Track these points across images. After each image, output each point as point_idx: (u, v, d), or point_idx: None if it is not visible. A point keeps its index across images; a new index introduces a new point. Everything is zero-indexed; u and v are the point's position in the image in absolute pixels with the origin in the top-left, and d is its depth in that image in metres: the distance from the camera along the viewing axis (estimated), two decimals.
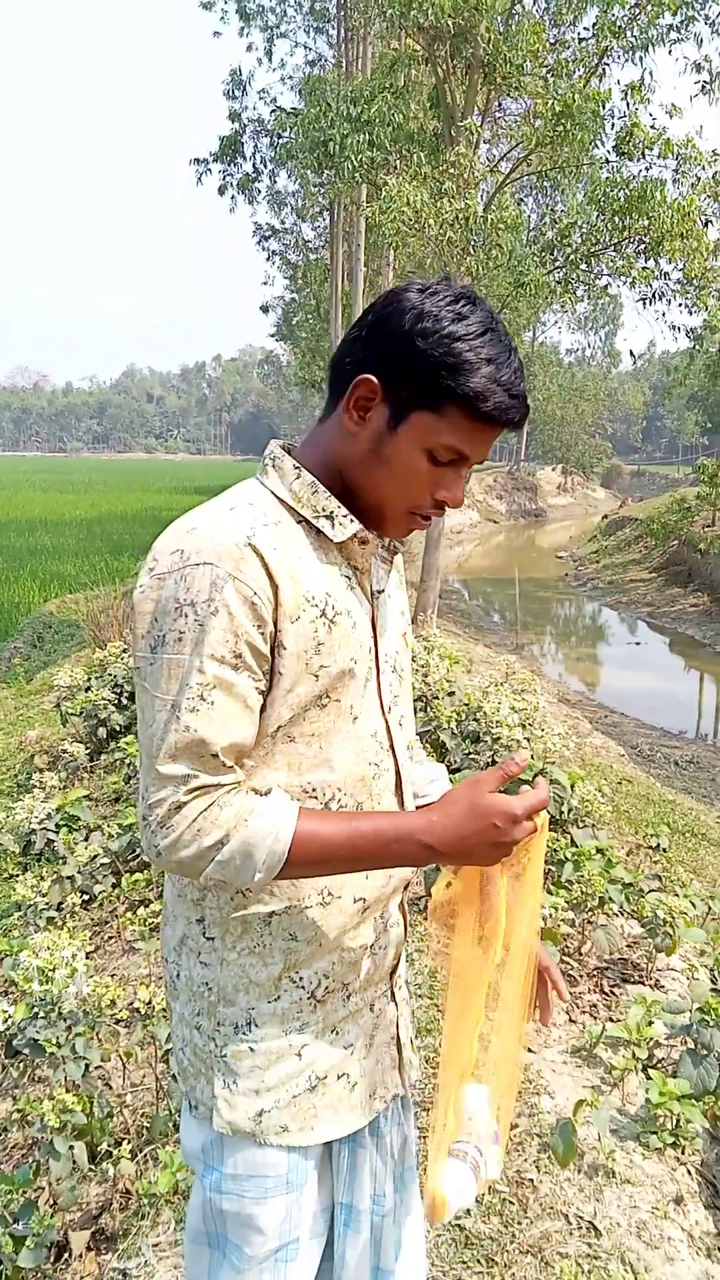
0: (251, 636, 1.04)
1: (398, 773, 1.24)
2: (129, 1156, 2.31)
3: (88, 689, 6.16)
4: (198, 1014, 1.18)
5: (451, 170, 9.93)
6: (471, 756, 4.93)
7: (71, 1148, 2.19)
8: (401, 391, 1.09)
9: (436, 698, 5.26)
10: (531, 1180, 2.34)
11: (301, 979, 1.16)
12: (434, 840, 1.07)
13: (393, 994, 1.30)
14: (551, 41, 10.92)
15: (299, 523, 1.13)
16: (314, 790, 1.13)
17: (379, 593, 1.24)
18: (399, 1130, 1.34)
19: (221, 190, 18.12)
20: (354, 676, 1.15)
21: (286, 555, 1.08)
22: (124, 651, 6.48)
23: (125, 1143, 2.37)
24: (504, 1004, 1.23)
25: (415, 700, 5.25)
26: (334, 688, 1.13)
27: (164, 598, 1.06)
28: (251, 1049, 1.15)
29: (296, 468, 1.14)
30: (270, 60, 19.48)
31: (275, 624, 1.06)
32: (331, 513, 1.14)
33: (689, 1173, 2.45)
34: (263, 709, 1.08)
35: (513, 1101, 1.26)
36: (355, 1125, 1.23)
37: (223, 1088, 1.16)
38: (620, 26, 9.19)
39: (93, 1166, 2.30)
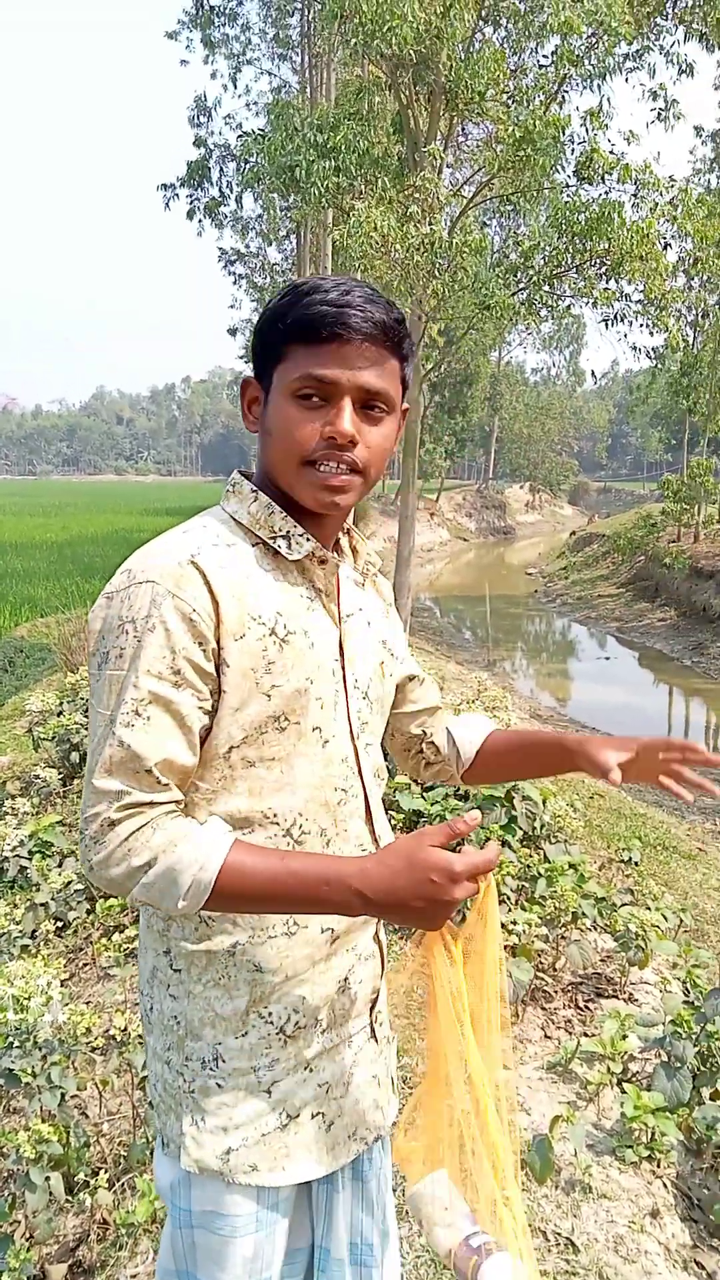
0: (190, 653, 1.05)
1: (366, 799, 1.23)
2: (106, 1186, 2.29)
3: (60, 713, 6.12)
4: (168, 1048, 1.17)
5: (416, 195, 10.08)
6: None
7: (48, 1179, 2.17)
8: (262, 367, 1.14)
9: None
10: (509, 1197, 2.34)
11: (270, 1014, 1.14)
12: (366, 888, 1.02)
13: (373, 1031, 1.27)
14: (512, 69, 11.14)
15: (255, 544, 1.15)
16: (275, 815, 1.12)
17: (349, 616, 1.23)
18: (380, 1175, 1.32)
19: (190, 215, 18.24)
20: (313, 698, 1.14)
21: (233, 574, 1.09)
22: None
23: (102, 1172, 2.35)
24: (471, 1082, 1.18)
25: None
26: (292, 709, 1.12)
27: (110, 615, 1.08)
28: (219, 1085, 1.13)
29: (253, 491, 1.17)
30: (235, 86, 19.72)
31: (218, 641, 1.06)
32: (288, 533, 1.15)
33: (664, 1186, 2.47)
34: (210, 728, 1.08)
35: (511, 1170, 1.22)
36: (332, 1166, 1.20)
37: (190, 1125, 1.14)
38: (578, 55, 9.39)
39: (70, 1197, 2.28)
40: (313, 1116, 1.17)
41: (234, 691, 1.08)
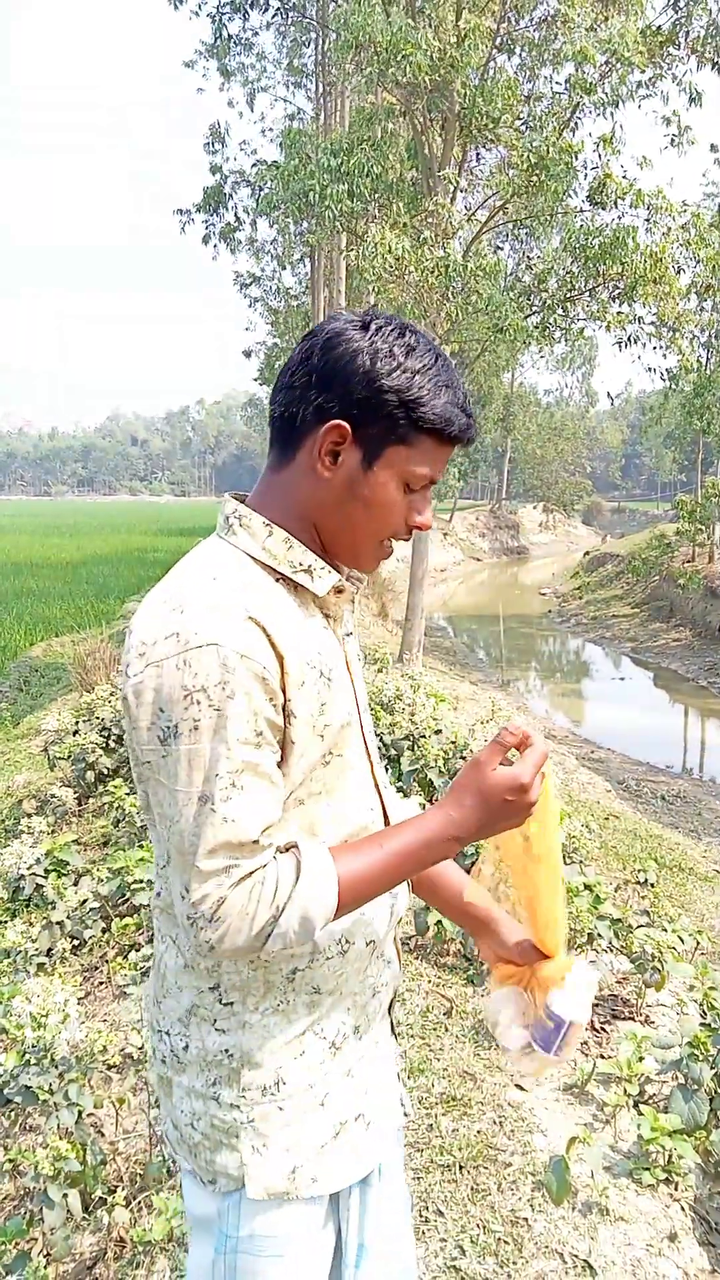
0: (267, 712, 1.02)
1: (384, 810, 1.26)
2: (123, 1204, 2.30)
3: (75, 732, 6.16)
4: (213, 1084, 1.14)
5: (430, 219, 10.19)
6: None
7: (65, 1196, 2.18)
8: (371, 430, 1.10)
9: (424, 736, 5.29)
10: (526, 1219, 2.34)
11: (323, 1030, 1.16)
12: (459, 832, 1.10)
13: (392, 1028, 1.32)
14: (525, 96, 11.27)
15: (277, 580, 1.12)
16: (319, 840, 1.13)
17: (348, 635, 1.25)
18: (398, 1165, 1.35)
19: (205, 240, 18.46)
20: (350, 727, 1.17)
21: (281, 621, 1.07)
22: (111, 694, 6.49)
23: (119, 1190, 2.36)
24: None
25: (404, 739, 5.30)
26: (336, 744, 1.14)
27: (168, 685, 1.01)
28: (280, 1108, 1.13)
29: (267, 524, 1.12)
30: (252, 110, 20.04)
31: (284, 693, 1.05)
32: (309, 566, 1.13)
33: (682, 1209, 2.45)
34: None
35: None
36: (373, 1164, 1.22)
37: (252, 1154, 1.13)
38: (592, 84, 9.49)
39: (86, 1215, 2.29)
40: (357, 1119, 1.20)
41: (300, 740, 1.08)
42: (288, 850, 1.06)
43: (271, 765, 1.04)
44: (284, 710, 1.05)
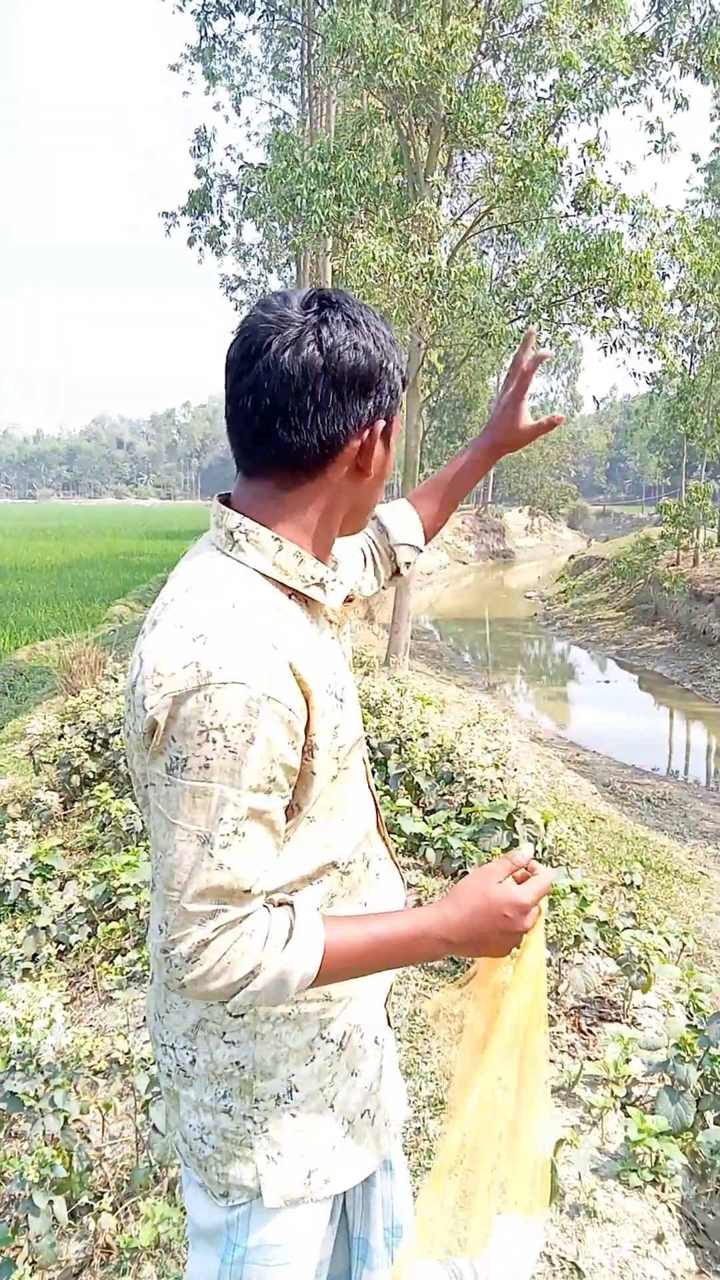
0: (286, 757, 0.99)
1: (376, 809, 1.27)
2: (110, 1210, 2.28)
3: (60, 736, 6.13)
4: (223, 1096, 1.13)
5: (416, 224, 10.21)
6: (446, 797, 4.96)
7: (51, 1203, 2.17)
8: (391, 411, 1.12)
9: (410, 739, 5.30)
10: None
11: (330, 1033, 1.16)
12: (450, 935, 1.07)
13: (389, 1020, 1.32)
14: (510, 101, 11.33)
15: (290, 596, 1.08)
16: (337, 862, 1.14)
17: (343, 636, 1.24)
18: (400, 1160, 1.36)
19: (190, 242, 18.45)
20: (360, 742, 1.17)
21: (303, 649, 1.02)
22: (97, 698, 6.46)
23: (105, 1196, 2.34)
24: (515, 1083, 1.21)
25: (390, 742, 5.30)
26: (347, 760, 1.14)
27: (184, 716, 0.95)
28: (293, 1115, 1.13)
29: (276, 539, 1.06)
30: (238, 114, 20.04)
31: (308, 732, 1.02)
32: (322, 579, 1.09)
33: (669, 1210, 2.46)
34: (288, 808, 1.05)
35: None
36: (380, 1158, 1.24)
37: (268, 1163, 1.12)
38: (576, 90, 9.54)
39: (72, 1222, 2.28)
40: (363, 1116, 1.21)
41: (321, 771, 1.06)
42: (281, 906, 1.03)
43: (279, 812, 1.00)
44: (306, 747, 1.02)
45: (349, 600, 1.17)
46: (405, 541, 1.49)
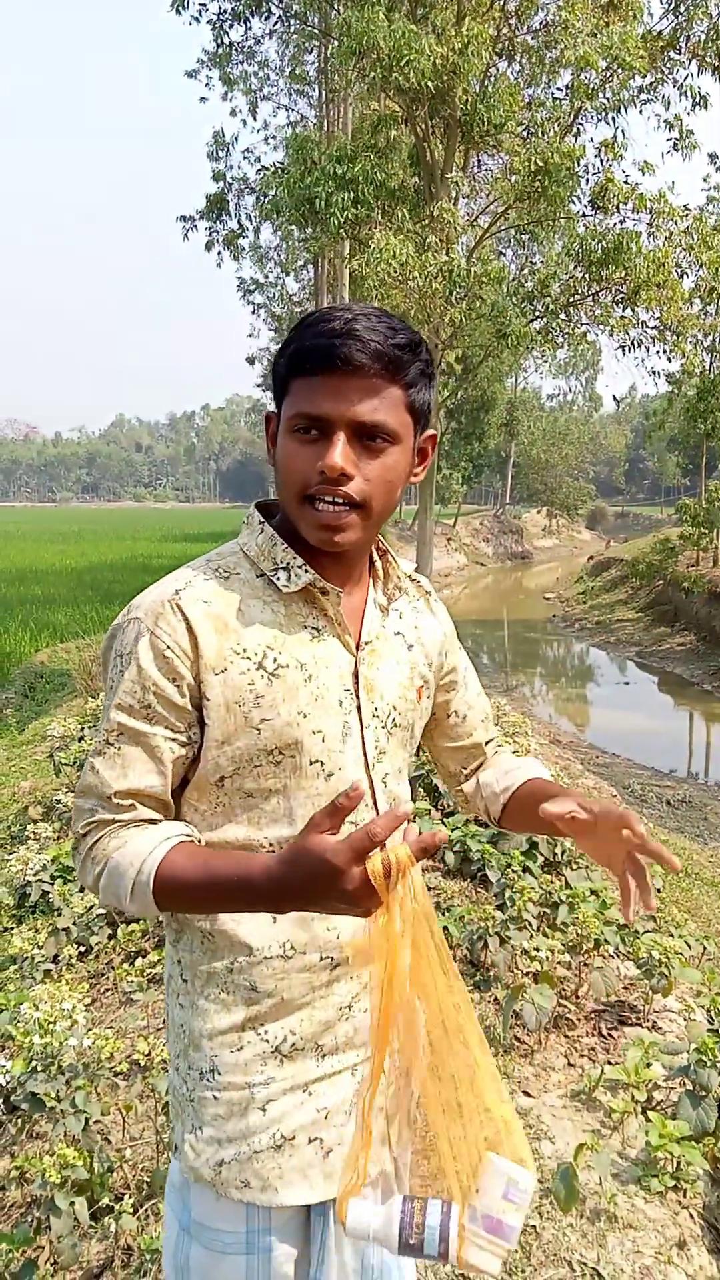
0: (163, 688, 1.09)
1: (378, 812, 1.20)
2: (131, 1212, 2.29)
3: (81, 738, 6.17)
4: (178, 1055, 1.20)
5: (433, 225, 10.21)
6: None
7: (72, 1204, 2.18)
8: (276, 401, 1.14)
9: None
10: (534, 1227, 2.33)
11: (266, 1032, 1.14)
12: (272, 887, 0.97)
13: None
14: (527, 102, 11.30)
15: (259, 576, 1.15)
16: (275, 846, 1.12)
17: (367, 643, 1.20)
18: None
19: (208, 246, 18.51)
20: (309, 730, 1.12)
21: (219, 608, 1.11)
22: None
23: (126, 1197, 2.35)
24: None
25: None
26: (286, 743, 1.11)
27: (111, 649, 1.16)
28: (215, 1097, 1.15)
29: (261, 523, 1.19)
30: (255, 119, 20.15)
31: (196, 676, 1.10)
32: (288, 564, 1.14)
33: (691, 1216, 2.44)
34: (196, 759, 1.13)
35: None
36: (326, 1194, 1.16)
37: (189, 1132, 1.17)
38: (593, 89, 9.51)
39: (93, 1223, 2.29)
40: (309, 1141, 1.16)
41: (217, 725, 1.10)
42: (145, 823, 1.11)
43: (160, 740, 1.10)
44: (195, 692, 1.10)
45: (325, 593, 1.15)
46: (494, 791, 1.41)
